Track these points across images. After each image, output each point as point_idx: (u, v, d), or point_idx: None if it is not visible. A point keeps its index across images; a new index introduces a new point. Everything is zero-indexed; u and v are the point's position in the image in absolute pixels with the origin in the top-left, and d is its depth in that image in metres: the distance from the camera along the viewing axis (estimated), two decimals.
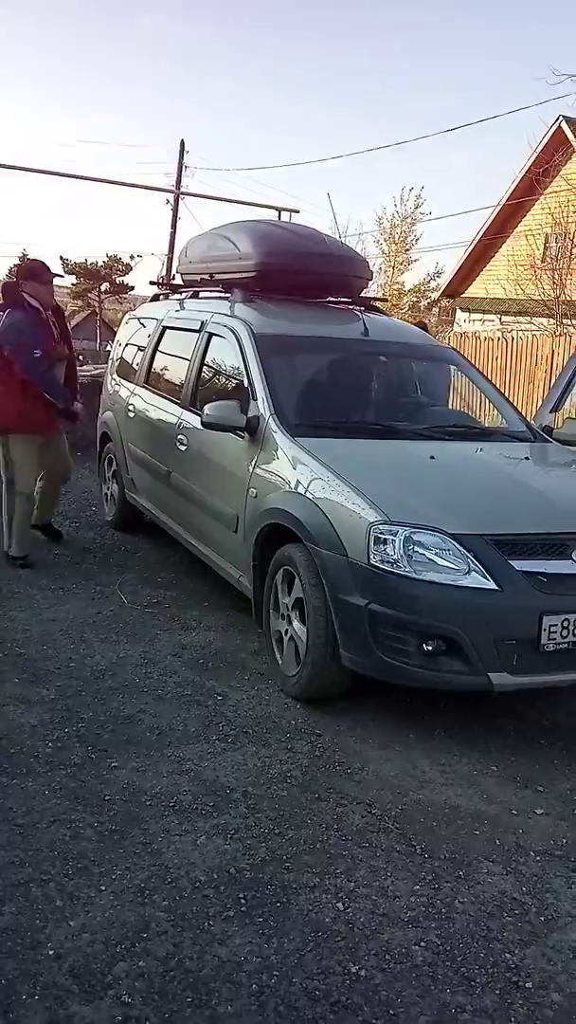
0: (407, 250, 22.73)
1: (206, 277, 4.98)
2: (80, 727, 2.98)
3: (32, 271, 4.70)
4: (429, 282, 23.99)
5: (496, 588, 2.93)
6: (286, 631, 3.41)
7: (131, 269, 35.69)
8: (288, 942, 2.04)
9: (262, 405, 3.73)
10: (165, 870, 2.25)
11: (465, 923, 2.16)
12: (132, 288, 35.74)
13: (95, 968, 1.91)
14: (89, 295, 37.92)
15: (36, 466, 4.75)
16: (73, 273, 35.78)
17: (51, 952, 1.94)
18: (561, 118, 16.13)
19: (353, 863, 2.36)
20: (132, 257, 35.01)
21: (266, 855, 2.36)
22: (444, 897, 2.26)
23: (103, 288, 36.97)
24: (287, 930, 2.08)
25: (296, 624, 3.31)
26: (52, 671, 3.43)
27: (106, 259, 35.72)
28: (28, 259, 4.73)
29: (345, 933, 2.09)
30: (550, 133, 16.50)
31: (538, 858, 2.45)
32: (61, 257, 34.86)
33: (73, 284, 36.99)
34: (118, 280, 36.49)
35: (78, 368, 6.51)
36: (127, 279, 36.44)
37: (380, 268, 21.75)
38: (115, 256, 35.62)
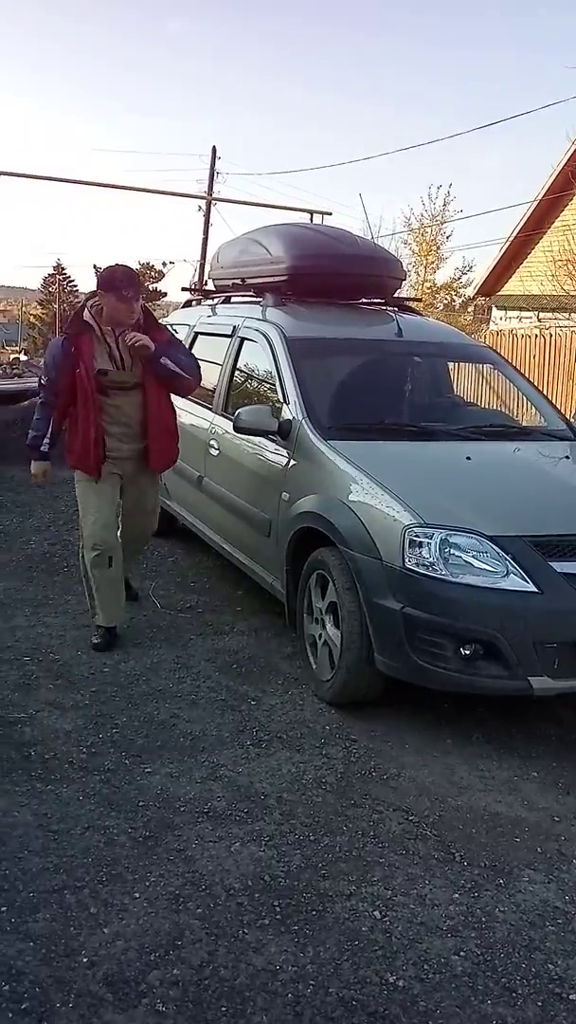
0: (438, 248, 22.54)
1: (238, 282, 4.98)
2: (114, 732, 2.98)
3: (111, 282, 3.57)
4: (460, 277, 23.73)
5: (536, 590, 2.86)
6: (320, 635, 3.38)
7: (164, 276, 36.01)
8: (324, 951, 2.01)
9: (295, 408, 3.71)
10: (199, 877, 2.24)
11: (506, 932, 2.11)
12: (165, 294, 36.08)
13: (129, 976, 1.90)
14: None
15: (99, 511, 3.71)
16: None
17: (85, 960, 1.94)
18: None
19: (390, 871, 2.32)
20: (164, 264, 35.27)
21: (301, 862, 2.33)
22: (484, 906, 2.20)
23: None
24: (323, 939, 2.05)
25: (330, 628, 3.27)
26: (86, 676, 3.44)
27: (139, 266, 36.04)
28: (112, 266, 3.66)
29: (382, 942, 2.05)
30: None
31: None
32: (94, 265, 35.27)
33: None
34: (151, 287, 36.80)
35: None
36: (160, 286, 36.78)
37: (411, 267, 21.59)
38: (147, 263, 35.96)
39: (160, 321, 6.75)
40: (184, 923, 2.07)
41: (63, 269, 43.52)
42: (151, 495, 4.00)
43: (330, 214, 10.82)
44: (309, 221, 9.91)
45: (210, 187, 21.74)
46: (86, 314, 3.64)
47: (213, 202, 20.57)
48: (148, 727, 3.04)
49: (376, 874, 2.30)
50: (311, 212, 10.87)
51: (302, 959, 1.98)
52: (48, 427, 3.75)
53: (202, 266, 20.41)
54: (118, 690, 3.33)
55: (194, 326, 5.26)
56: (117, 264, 3.69)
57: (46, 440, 3.77)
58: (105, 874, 2.24)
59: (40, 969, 1.91)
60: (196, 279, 20.10)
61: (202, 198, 20.18)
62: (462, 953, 2.03)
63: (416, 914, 2.15)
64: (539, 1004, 1.89)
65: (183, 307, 6.09)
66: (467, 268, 23.39)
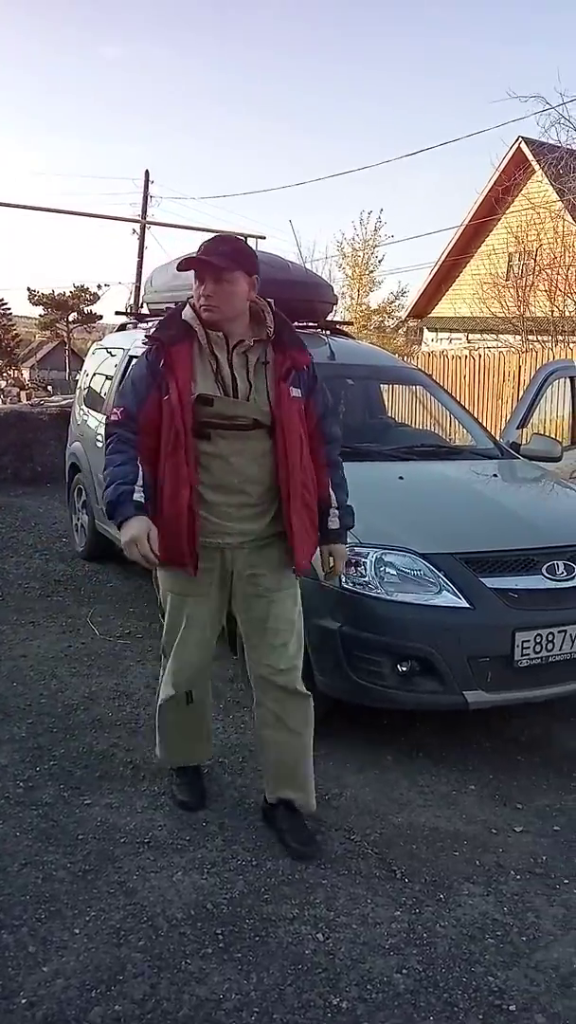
0: (370, 272, 22.95)
1: (171, 306, 4.98)
2: (52, 765, 2.93)
3: (197, 258, 2.33)
4: (393, 301, 24.21)
5: (468, 606, 2.93)
6: None
7: (99, 298, 35.75)
8: (268, 977, 2.00)
9: None
10: (141, 909, 2.21)
11: (447, 947, 2.14)
12: (100, 317, 35.77)
13: (70, 1015, 1.86)
14: (57, 325, 37.91)
15: (186, 645, 2.52)
16: (41, 304, 35.79)
17: (24, 1000, 1.89)
18: (520, 139, 16.50)
19: (333, 891, 2.33)
20: (100, 287, 35.08)
21: (244, 888, 2.32)
22: (425, 922, 2.23)
23: (71, 318, 36.97)
24: (266, 965, 2.04)
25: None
26: (23, 708, 3.37)
27: (74, 289, 35.75)
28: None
29: (326, 964, 2.05)
30: (510, 153, 16.87)
31: (518, 877, 2.44)
32: (28, 288, 34.88)
33: (41, 315, 36.99)
34: (86, 310, 36.52)
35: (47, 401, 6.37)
36: (95, 308, 36.49)
37: (343, 292, 21.90)
38: (82, 286, 35.67)
39: (95, 345, 6.38)
40: (126, 957, 2.04)
41: None
42: (286, 613, 2.44)
43: (263, 238, 10.94)
44: None
45: (144, 211, 21.74)
46: (187, 312, 2.35)
47: (148, 226, 20.56)
48: (87, 758, 2.99)
49: (319, 896, 2.30)
50: (245, 236, 10.97)
51: (246, 986, 1.97)
52: (138, 471, 2.30)
53: (138, 289, 20.36)
54: (55, 721, 3.27)
55: (129, 349, 5.25)
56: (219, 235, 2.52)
57: (138, 486, 2.29)
58: (44, 911, 2.19)
59: None
60: (132, 302, 20.04)
61: (136, 221, 20.16)
62: (404, 971, 2.05)
63: (359, 934, 2.16)
64: (480, 1017, 1.92)
65: (117, 330, 6.08)
66: (401, 292, 23.86)
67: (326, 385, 2.51)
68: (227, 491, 2.36)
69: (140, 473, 2.30)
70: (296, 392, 2.37)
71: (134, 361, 2.56)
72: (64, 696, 3.50)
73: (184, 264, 2.33)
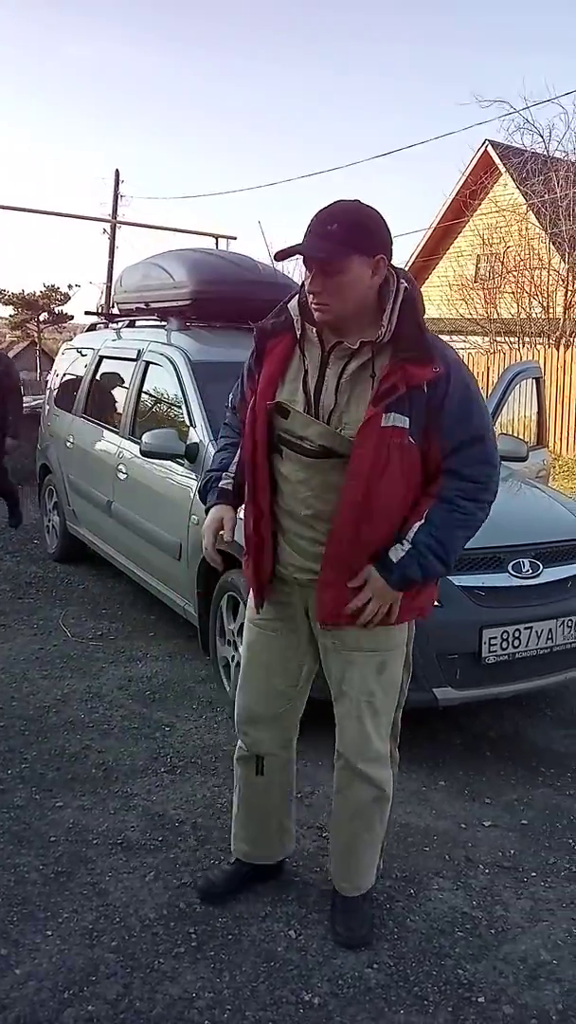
0: None
1: (142, 306, 4.99)
2: (23, 767, 2.91)
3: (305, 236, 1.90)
4: None
5: (437, 604, 2.96)
6: (232, 657, 3.40)
7: (69, 299, 35.45)
8: (240, 974, 2.02)
9: (201, 432, 3.73)
10: (113, 910, 2.21)
11: (417, 942, 2.17)
12: (71, 317, 35.47)
13: (42, 1017, 1.86)
14: (28, 325, 37.53)
15: (251, 682, 2.20)
16: (11, 304, 35.40)
17: None
18: (487, 142, 16.68)
19: (305, 888, 2.35)
20: (70, 287, 34.79)
21: None
22: (396, 916, 2.26)
23: (42, 318, 36.62)
24: (239, 962, 2.05)
25: (242, 650, 3.29)
26: None
27: (44, 289, 35.41)
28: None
29: (298, 961, 2.07)
30: (477, 157, 17.05)
31: (487, 871, 2.48)
32: None
33: (11, 315, 36.60)
34: (56, 310, 36.19)
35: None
36: (66, 308, 36.18)
37: None
38: (53, 286, 35.35)
39: (65, 345, 6.30)
40: (98, 958, 2.04)
41: None
42: (364, 680, 2.04)
43: (235, 238, 10.94)
44: (215, 246, 10.00)
45: (114, 210, 21.63)
46: (292, 301, 1.98)
47: (118, 225, 20.45)
48: (59, 760, 2.98)
49: (291, 893, 2.32)
50: (217, 237, 10.96)
51: (218, 984, 1.98)
52: (234, 456, 2.13)
53: (109, 289, 20.23)
54: (27, 723, 3.25)
55: (99, 350, 5.24)
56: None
57: (228, 472, 2.12)
58: (16, 913, 2.18)
59: None
60: (103, 302, 19.91)
61: (106, 220, 20.04)
62: (375, 966, 2.07)
63: (330, 931, 2.18)
64: (449, 1010, 1.95)
65: (88, 330, 6.05)
66: None
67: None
68: (296, 520, 1.97)
69: (236, 459, 2.09)
70: (398, 419, 1.81)
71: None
72: (36, 698, 3.48)
73: (282, 253, 1.89)
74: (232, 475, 2.09)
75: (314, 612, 2.00)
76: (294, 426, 1.91)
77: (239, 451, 2.09)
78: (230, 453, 2.13)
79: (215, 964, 2.04)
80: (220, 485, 2.08)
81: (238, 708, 2.23)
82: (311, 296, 1.84)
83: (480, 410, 1.92)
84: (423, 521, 1.89)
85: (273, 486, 1.98)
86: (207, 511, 2.11)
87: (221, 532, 2.08)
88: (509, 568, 3.11)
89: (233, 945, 2.11)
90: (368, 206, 1.85)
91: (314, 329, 1.91)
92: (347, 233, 1.78)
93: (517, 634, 3.01)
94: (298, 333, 1.93)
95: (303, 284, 1.92)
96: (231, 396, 2.19)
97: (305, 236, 1.82)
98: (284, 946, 2.12)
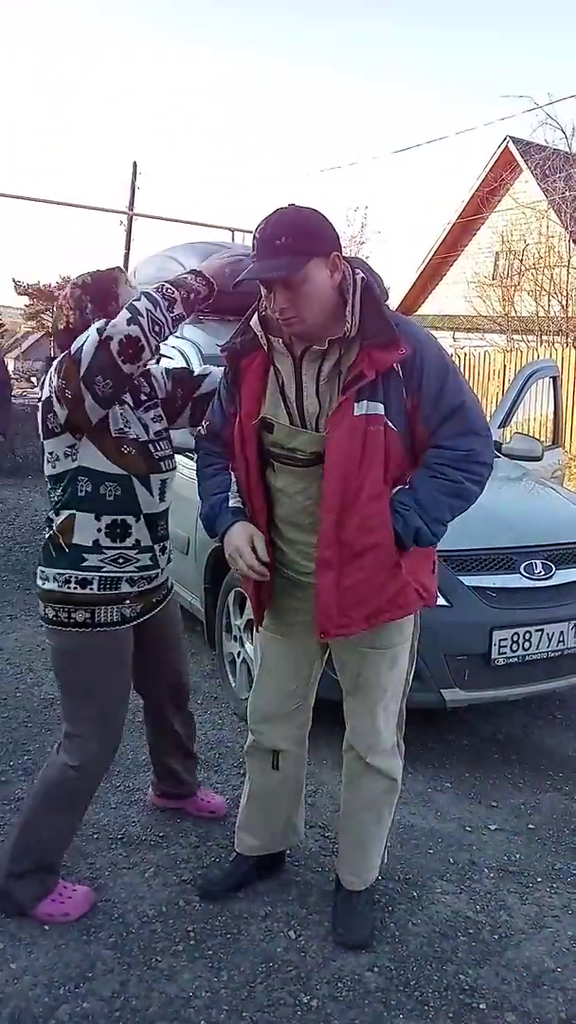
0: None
1: None
2: (26, 759, 2.90)
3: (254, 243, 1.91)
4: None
5: (446, 604, 2.93)
6: (239, 653, 3.37)
7: None
8: (238, 974, 1.99)
9: None
10: (112, 905, 2.19)
11: (418, 945, 2.14)
12: None
13: (37, 1013, 1.84)
14: (42, 316, 37.64)
15: (264, 687, 2.25)
16: (26, 294, 35.54)
17: None
18: (508, 138, 16.53)
19: (306, 888, 2.32)
20: None
21: None
22: (398, 919, 2.23)
23: None
24: (238, 962, 2.03)
25: (248, 646, 3.27)
26: None
27: (59, 280, 35.49)
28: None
29: (297, 962, 2.05)
30: (498, 153, 16.90)
31: (492, 875, 2.44)
32: (13, 279, 34.63)
33: (26, 305, 36.75)
34: None
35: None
36: None
37: None
38: (68, 277, 35.42)
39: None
40: (95, 954, 2.02)
41: None
42: (377, 676, 2.07)
43: (251, 231, 10.90)
44: (231, 238, 9.97)
45: (131, 202, 21.59)
46: (254, 320, 1.95)
47: (134, 217, 20.43)
48: None
49: (291, 893, 2.29)
50: (232, 230, 10.92)
51: (216, 984, 1.96)
52: (230, 478, 2.06)
53: None
54: (30, 715, 3.24)
55: None
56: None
57: (232, 492, 2.04)
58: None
59: None
60: None
61: (123, 212, 20.01)
62: (376, 969, 2.04)
63: (331, 931, 2.15)
64: (450, 1016, 1.92)
65: None
66: (387, 289, 23.81)
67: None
68: (301, 529, 1.97)
69: (232, 479, 2.03)
70: (372, 407, 1.80)
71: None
72: (40, 690, 3.47)
73: (240, 284, 1.87)
74: (237, 494, 2.03)
75: (313, 625, 1.97)
76: (280, 439, 1.92)
77: (232, 473, 2.05)
78: (224, 476, 2.06)
79: (213, 963, 2.02)
80: (231, 505, 2.01)
81: (251, 708, 2.24)
82: (278, 313, 1.81)
83: (454, 382, 1.87)
84: (406, 486, 1.87)
85: (270, 502, 1.99)
86: (223, 534, 1.99)
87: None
88: (521, 569, 3.06)
89: (232, 944, 2.09)
90: (306, 208, 1.82)
91: (280, 340, 1.89)
92: (297, 241, 1.75)
93: (528, 636, 2.96)
94: (266, 348, 1.92)
95: (259, 299, 1.90)
96: (204, 425, 2.12)
97: (256, 258, 1.79)
98: (283, 946, 2.09)
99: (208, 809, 2.62)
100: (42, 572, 2.13)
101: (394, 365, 1.80)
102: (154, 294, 2.00)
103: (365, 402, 1.79)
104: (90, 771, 2.14)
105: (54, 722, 3.19)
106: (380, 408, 1.81)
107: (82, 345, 1.95)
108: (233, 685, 3.41)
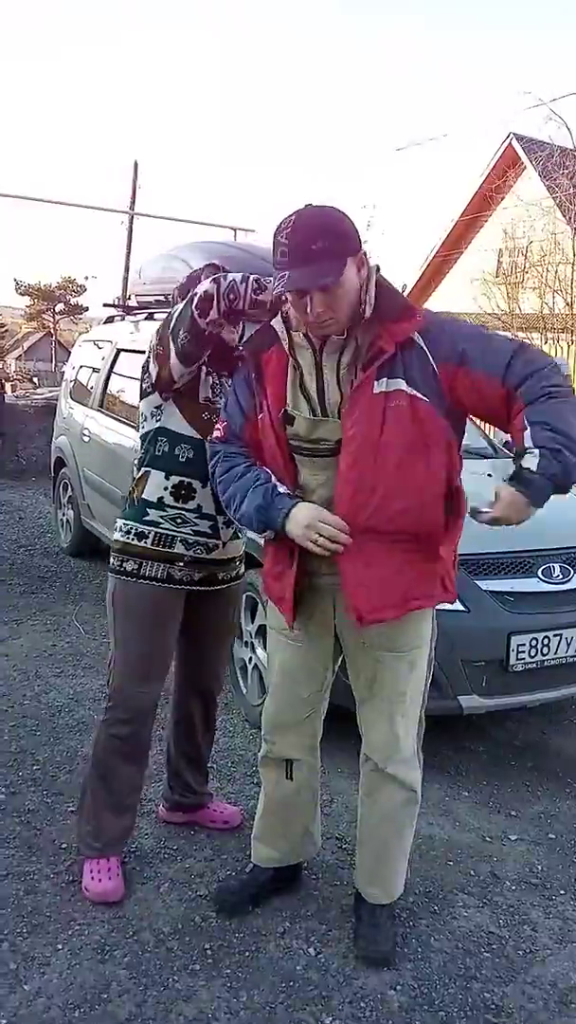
0: None
1: (162, 298, 4.90)
2: (35, 769, 2.84)
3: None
4: None
5: (463, 609, 2.87)
6: (250, 659, 3.32)
7: (86, 290, 35.52)
8: (258, 994, 1.93)
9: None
10: (126, 922, 2.13)
11: (442, 962, 2.08)
12: (87, 309, 35.56)
13: None
14: (44, 316, 37.63)
15: (280, 694, 2.19)
16: (27, 294, 35.54)
17: (4, 1022, 1.81)
18: (511, 135, 16.45)
19: (324, 903, 2.26)
20: (87, 278, 34.85)
21: None
22: (420, 935, 2.17)
23: (58, 309, 36.68)
24: (257, 981, 1.97)
25: (260, 652, 3.21)
26: (5, 710, 3.28)
27: (60, 280, 35.48)
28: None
29: (317, 981, 1.99)
30: (501, 150, 16.82)
31: (514, 887, 2.38)
32: (15, 279, 34.65)
33: (27, 305, 36.76)
34: (73, 301, 36.25)
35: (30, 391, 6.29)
36: (82, 300, 36.25)
37: None
38: (69, 277, 35.40)
39: (82, 337, 6.21)
40: (110, 974, 1.97)
41: None
42: (396, 681, 2.01)
43: (254, 231, 10.87)
44: (233, 238, 9.92)
45: (132, 202, 21.52)
46: (277, 322, 1.92)
47: (136, 217, 20.36)
48: (71, 762, 2.90)
49: (310, 908, 2.24)
50: (235, 229, 10.88)
51: (235, 1005, 1.90)
52: (266, 470, 1.95)
53: (126, 280, 20.18)
54: (39, 724, 3.18)
55: (116, 342, 5.15)
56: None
57: (276, 480, 1.93)
58: (26, 924, 2.11)
59: None
60: (120, 294, 19.87)
61: (124, 212, 19.95)
62: (398, 987, 1.99)
63: (352, 948, 2.09)
64: None
65: (105, 323, 5.97)
66: (400, 287, 23.86)
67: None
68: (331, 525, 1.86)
69: (268, 470, 1.92)
70: (393, 383, 1.76)
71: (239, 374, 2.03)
72: (48, 697, 3.41)
73: (279, 294, 1.78)
74: (280, 481, 1.92)
75: (345, 614, 1.92)
76: (303, 431, 1.88)
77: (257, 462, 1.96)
78: (261, 470, 1.93)
79: (231, 983, 1.96)
80: (281, 490, 1.88)
81: (265, 716, 2.18)
82: (314, 317, 1.76)
83: (496, 333, 1.87)
84: (527, 428, 1.68)
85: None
86: (284, 520, 1.84)
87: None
88: (539, 573, 3.00)
89: (250, 963, 2.03)
90: (327, 207, 1.78)
91: (299, 333, 1.86)
92: (333, 244, 1.72)
93: (546, 641, 2.90)
94: (286, 344, 1.88)
95: (284, 299, 1.84)
96: (220, 428, 2.01)
97: (288, 265, 1.71)
98: (303, 964, 2.04)
99: (222, 820, 2.56)
100: (115, 523, 2.29)
101: (413, 337, 1.77)
102: (251, 276, 2.02)
103: (385, 380, 1.77)
104: (113, 730, 2.26)
105: (63, 730, 3.13)
106: (401, 383, 1.77)
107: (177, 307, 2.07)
108: (244, 691, 3.36)
